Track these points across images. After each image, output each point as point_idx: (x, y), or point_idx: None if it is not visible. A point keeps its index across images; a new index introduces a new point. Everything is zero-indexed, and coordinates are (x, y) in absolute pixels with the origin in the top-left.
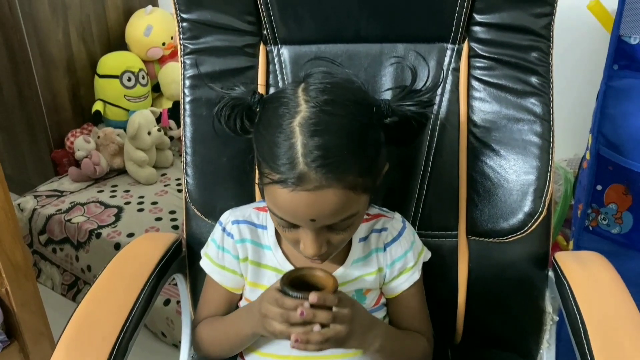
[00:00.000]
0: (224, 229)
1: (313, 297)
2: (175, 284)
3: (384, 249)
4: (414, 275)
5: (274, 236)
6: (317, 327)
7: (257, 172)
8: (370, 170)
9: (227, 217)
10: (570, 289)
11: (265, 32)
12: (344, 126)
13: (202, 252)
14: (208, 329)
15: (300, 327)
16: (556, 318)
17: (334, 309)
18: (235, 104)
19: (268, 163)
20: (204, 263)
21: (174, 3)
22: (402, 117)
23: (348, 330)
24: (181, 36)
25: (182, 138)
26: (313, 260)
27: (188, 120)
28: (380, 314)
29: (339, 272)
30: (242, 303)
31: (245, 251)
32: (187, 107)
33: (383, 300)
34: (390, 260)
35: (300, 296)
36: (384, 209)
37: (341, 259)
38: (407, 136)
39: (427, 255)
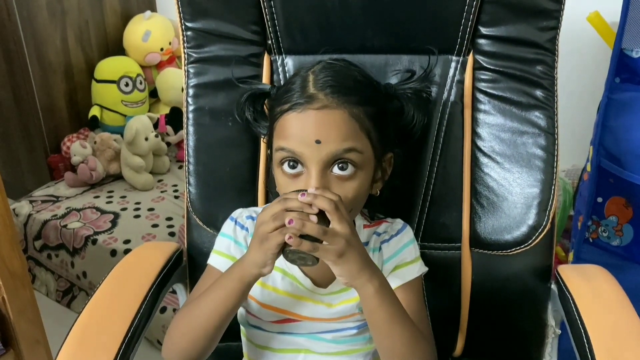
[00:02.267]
0: (236, 222)
1: (313, 192)
2: (172, 291)
3: (380, 248)
4: (409, 273)
5: None
6: (313, 218)
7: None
8: (375, 115)
9: (240, 212)
10: (574, 302)
11: (269, 41)
12: (351, 73)
13: (212, 251)
14: (187, 307)
15: (291, 213)
16: (558, 331)
17: (332, 223)
18: (255, 92)
19: (281, 100)
20: (212, 258)
21: (179, 12)
22: (402, 96)
23: (346, 242)
24: (185, 45)
25: (185, 147)
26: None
27: (191, 129)
28: None
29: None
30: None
31: None
32: (190, 115)
33: None
34: (386, 256)
35: (296, 191)
36: (388, 218)
37: None
38: (409, 121)
39: (423, 269)
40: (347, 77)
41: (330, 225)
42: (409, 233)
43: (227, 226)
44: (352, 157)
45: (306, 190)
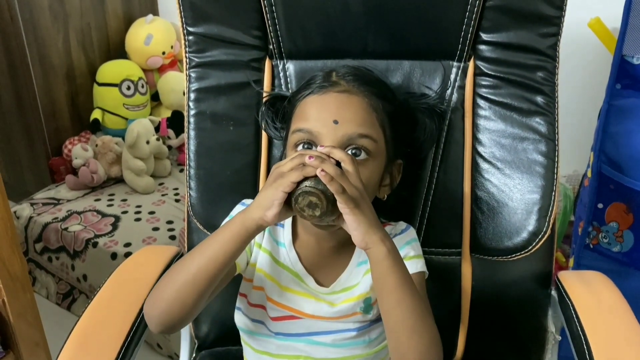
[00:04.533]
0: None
1: (327, 149)
2: None
3: None
4: (412, 267)
5: (290, 235)
6: (315, 161)
7: (262, 185)
8: (390, 116)
9: (250, 201)
10: (574, 309)
11: (271, 46)
12: (373, 74)
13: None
14: (177, 262)
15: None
16: (558, 337)
17: (344, 165)
18: (277, 96)
19: (303, 89)
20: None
21: (181, 16)
22: (416, 109)
23: (360, 193)
24: (187, 49)
25: (186, 151)
26: None
27: (192, 133)
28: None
29: (343, 275)
30: (245, 289)
31: (262, 237)
32: (192, 120)
33: None
34: None
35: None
36: (392, 221)
37: (345, 264)
38: (421, 136)
39: (425, 268)
40: (368, 74)
41: (344, 177)
42: (411, 233)
43: (237, 210)
44: (366, 144)
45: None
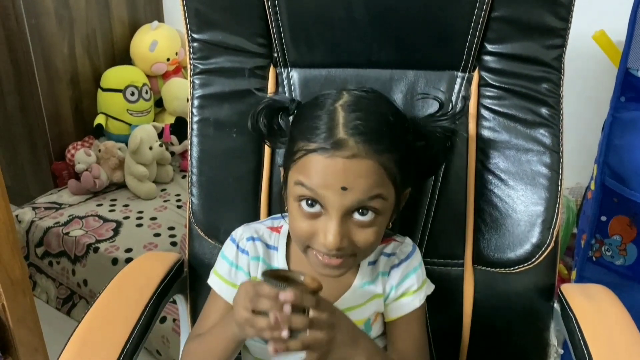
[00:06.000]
0: (237, 246)
1: (289, 293)
2: (172, 302)
3: (389, 273)
4: (415, 301)
5: (284, 259)
6: (284, 333)
7: (264, 192)
8: (402, 160)
9: (240, 233)
10: (577, 322)
11: (275, 54)
12: (383, 112)
13: (212, 271)
14: (196, 341)
15: (262, 318)
16: (561, 351)
17: (311, 312)
18: (272, 104)
19: (306, 135)
20: (213, 281)
21: (185, 23)
22: (430, 135)
23: (328, 338)
24: (191, 56)
25: (189, 157)
26: (328, 260)
27: (195, 140)
28: (382, 343)
29: (346, 295)
30: None
31: (257, 269)
32: (195, 126)
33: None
34: (395, 282)
35: (277, 284)
36: (398, 234)
37: (348, 283)
38: (433, 161)
39: (429, 288)
40: (378, 120)
41: (311, 315)
42: (417, 256)
43: (229, 249)
44: (375, 205)
45: (282, 285)
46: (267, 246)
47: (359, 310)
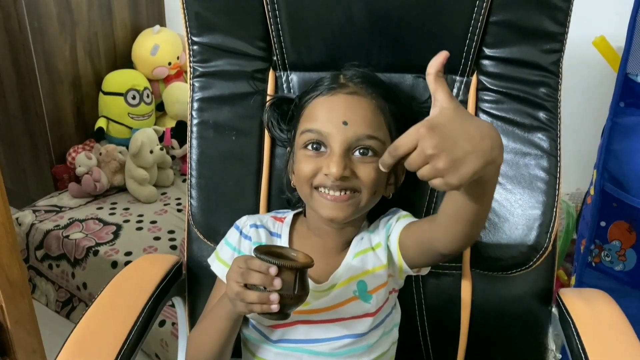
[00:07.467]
0: (240, 232)
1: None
2: (171, 305)
3: (378, 226)
4: (407, 219)
5: (287, 244)
6: (274, 307)
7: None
8: (397, 115)
9: (244, 221)
10: (574, 327)
11: (275, 57)
12: (378, 77)
13: (211, 258)
14: (197, 325)
15: (253, 292)
16: (559, 356)
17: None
18: (282, 97)
19: (310, 91)
20: (216, 267)
21: (186, 26)
22: (418, 115)
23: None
24: (191, 59)
25: (188, 160)
26: (335, 197)
27: (195, 142)
28: (389, 316)
29: (339, 270)
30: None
31: None
32: (194, 129)
33: (391, 302)
34: (383, 226)
35: (267, 259)
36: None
37: (339, 260)
38: None
39: (425, 270)
40: (374, 77)
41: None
42: (404, 211)
43: (233, 235)
44: (373, 145)
45: (275, 263)
46: (270, 233)
47: (354, 282)
